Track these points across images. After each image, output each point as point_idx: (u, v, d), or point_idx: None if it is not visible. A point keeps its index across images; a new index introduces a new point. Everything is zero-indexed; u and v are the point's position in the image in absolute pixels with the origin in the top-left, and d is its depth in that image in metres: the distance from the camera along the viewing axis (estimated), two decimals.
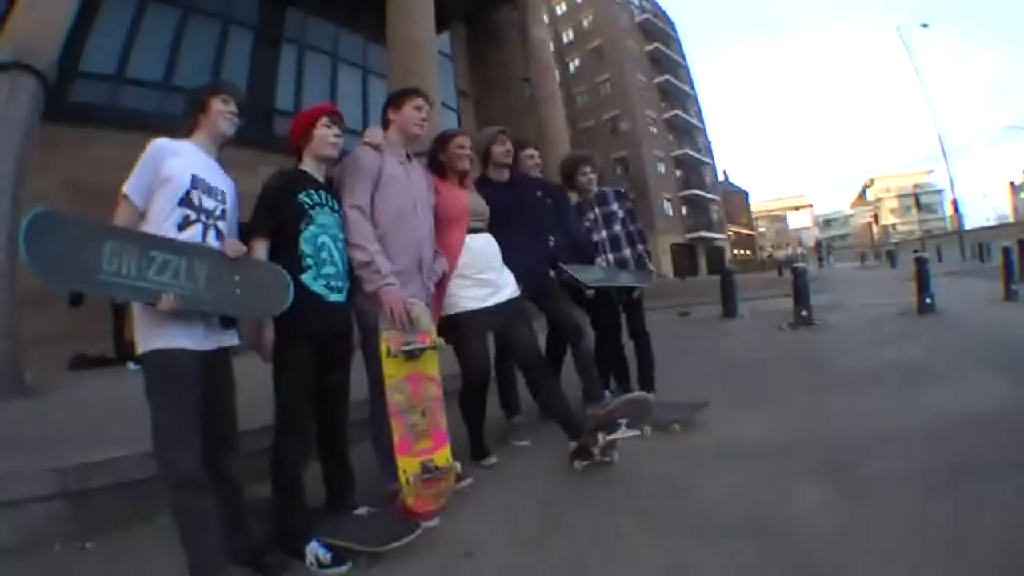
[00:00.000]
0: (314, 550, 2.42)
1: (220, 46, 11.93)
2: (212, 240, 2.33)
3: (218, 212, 2.39)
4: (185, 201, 2.26)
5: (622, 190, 4.88)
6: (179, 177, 2.26)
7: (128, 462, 2.90)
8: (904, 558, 2.10)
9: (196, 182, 2.30)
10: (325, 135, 2.79)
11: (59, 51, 6.42)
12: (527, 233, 3.77)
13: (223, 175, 2.50)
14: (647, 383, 4.51)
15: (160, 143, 2.29)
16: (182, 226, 2.25)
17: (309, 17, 13.88)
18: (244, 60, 12.37)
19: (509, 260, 3.54)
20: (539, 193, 4.08)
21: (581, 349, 4.04)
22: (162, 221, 2.21)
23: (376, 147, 3.03)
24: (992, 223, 59.07)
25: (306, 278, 2.60)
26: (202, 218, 2.31)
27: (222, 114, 2.44)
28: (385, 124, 3.21)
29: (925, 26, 40.58)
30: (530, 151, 4.31)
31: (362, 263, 2.77)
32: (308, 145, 2.81)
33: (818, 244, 46.40)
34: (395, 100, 3.21)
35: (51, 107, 6.38)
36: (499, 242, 3.52)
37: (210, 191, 2.37)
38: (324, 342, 2.68)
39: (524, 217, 3.78)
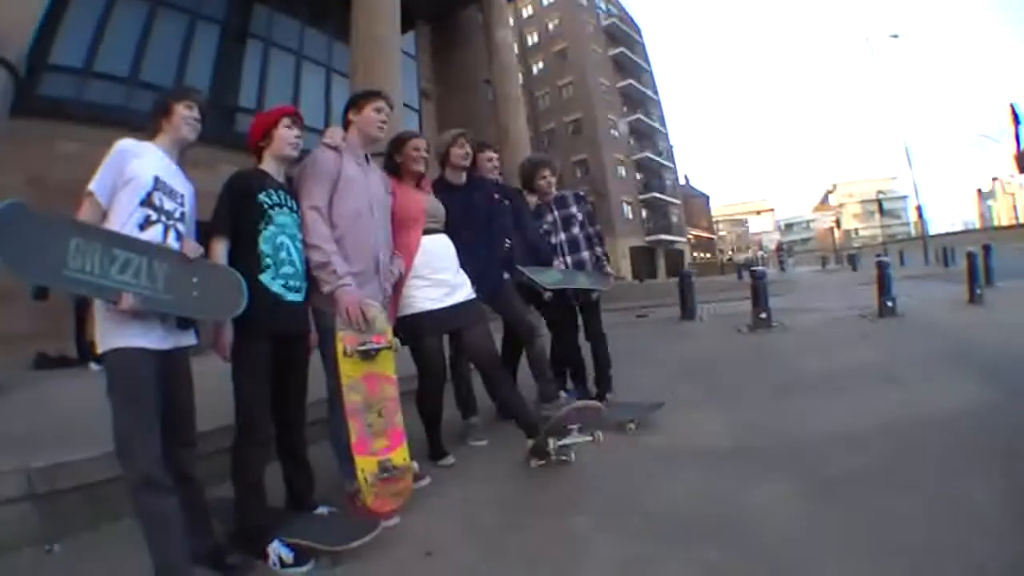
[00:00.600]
0: (276, 550, 2.42)
1: (187, 41, 11.73)
2: (172, 241, 2.33)
3: (177, 214, 2.39)
4: (147, 202, 2.26)
5: (581, 193, 4.92)
6: (142, 178, 2.26)
7: (94, 463, 2.85)
8: (868, 555, 2.15)
9: (158, 184, 2.31)
10: (286, 136, 2.80)
11: (30, 42, 6.23)
12: (482, 235, 3.80)
13: (184, 178, 2.50)
14: (604, 383, 4.56)
15: (125, 144, 2.29)
16: (143, 226, 2.24)
17: (275, 13, 13.73)
18: (210, 56, 12.20)
19: (464, 262, 3.56)
20: (496, 196, 4.10)
21: (535, 350, 4.08)
22: (124, 220, 2.21)
23: (335, 148, 3.03)
24: (958, 229, 60.48)
25: (264, 278, 2.60)
26: (163, 219, 2.31)
27: (185, 120, 2.45)
28: (345, 125, 3.21)
29: (895, 36, 41.60)
30: (489, 153, 4.33)
31: (319, 264, 2.78)
32: (269, 145, 2.81)
33: (779, 247, 45.88)
34: (356, 102, 3.21)
35: (18, 100, 6.19)
36: (454, 244, 3.54)
37: (171, 193, 2.37)
38: (282, 342, 2.67)
39: (479, 219, 3.81)
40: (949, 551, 2.11)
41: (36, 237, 1.92)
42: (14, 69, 5.75)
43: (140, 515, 2.13)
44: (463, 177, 3.87)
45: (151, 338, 2.20)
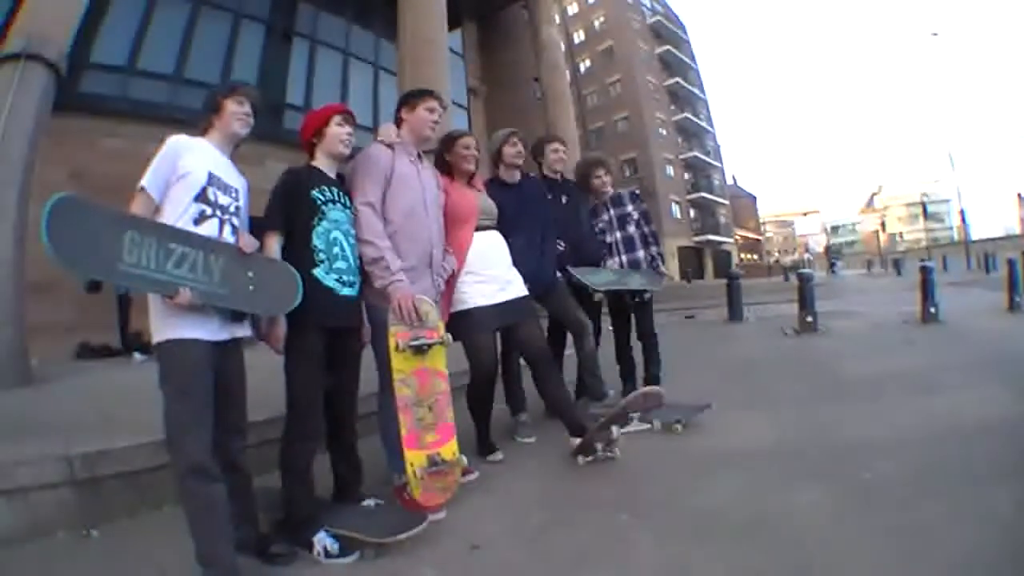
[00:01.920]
0: (322, 540, 2.44)
1: (231, 39, 11.92)
2: (228, 235, 2.36)
3: (232, 208, 2.42)
4: (202, 197, 2.29)
5: (636, 192, 4.90)
6: (197, 173, 2.28)
7: (135, 451, 2.92)
8: (902, 561, 2.11)
9: (212, 179, 2.33)
10: (338, 133, 2.82)
11: (71, 42, 6.40)
12: (534, 234, 3.82)
13: (237, 173, 2.53)
14: (653, 384, 4.51)
15: (178, 139, 2.30)
16: (198, 221, 2.27)
17: (321, 12, 13.88)
18: (255, 54, 12.38)
19: (518, 260, 3.58)
20: (549, 195, 4.13)
21: (585, 347, 4.07)
22: (179, 216, 2.23)
23: (389, 145, 3.05)
24: (1000, 235, 58.76)
25: (318, 272, 2.63)
26: (218, 213, 2.33)
27: (236, 115, 2.46)
28: (397, 123, 3.23)
29: (935, 35, 40.68)
30: (555, 145, 4.39)
31: (372, 259, 2.80)
32: (321, 143, 2.84)
33: (828, 249, 44.06)
34: (409, 100, 3.23)
35: (60, 97, 6.33)
36: (508, 242, 3.56)
37: (225, 188, 2.40)
38: (335, 335, 2.70)
39: (532, 218, 3.83)
40: (982, 561, 2.07)
41: (90, 230, 1.91)
42: (56, 68, 5.92)
43: (186, 502, 2.15)
44: (516, 175, 3.89)
45: (207, 329, 2.23)
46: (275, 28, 12.86)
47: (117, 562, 2.49)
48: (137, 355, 7.23)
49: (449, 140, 3.54)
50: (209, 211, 2.30)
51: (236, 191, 2.47)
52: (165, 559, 2.38)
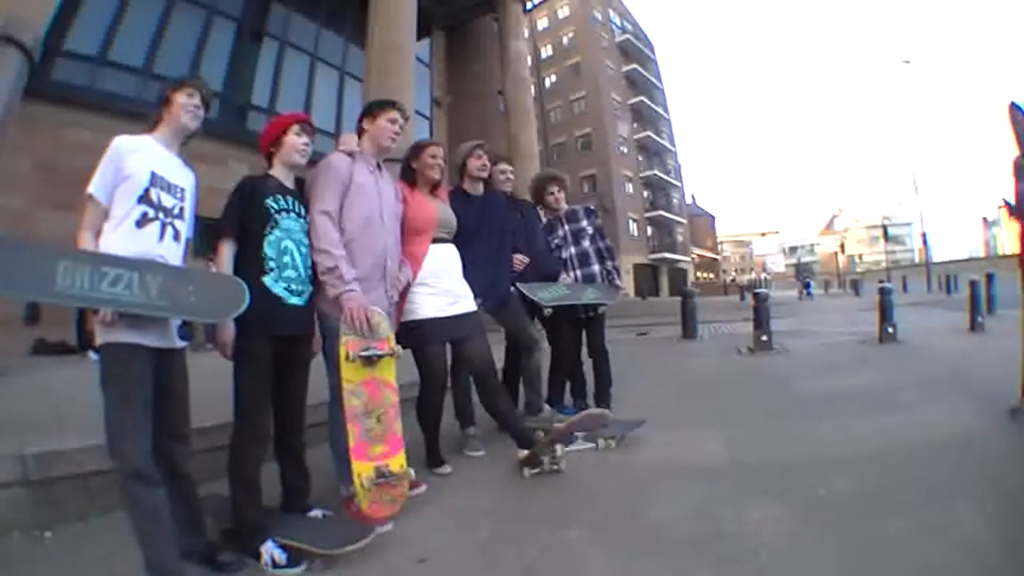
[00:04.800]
0: (269, 550, 2.43)
1: (203, 36, 11.82)
2: (169, 239, 2.34)
3: (176, 211, 2.40)
4: (144, 198, 2.27)
5: (591, 207, 4.95)
6: (139, 174, 2.26)
7: (89, 453, 2.86)
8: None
9: (155, 179, 2.31)
10: (295, 143, 2.83)
11: (47, 27, 6.27)
12: (494, 247, 3.88)
13: (184, 169, 2.51)
14: (603, 400, 4.57)
15: (120, 141, 2.29)
16: (141, 223, 2.25)
17: (293, 13, 13.81)
18: (225, 52, 12.30)
19: (475, 272, 3.62)
20: (509, 209, 4.19)
21: (532, 362, 4.19)
22: (122, 218, 2.22)
23: (350, 154, 3.06)
24: (962, 257, 60.05)
25: (268, 280, 2.62)
26: (160, 216, 2.32)
27: (185, 107, 2.44)
28: (359, 132, 3.25)
29: (907, 63, 41.81)
30: (503, 166, 4.38)
31: (326, 268, 2.80)
32: (278, 152, 2.84)
33: (799, 268, 40.53)
34: (371, 111, 3.24)
35: (30, 84, 6.23)
36: (466, 254, 3.60)
37: (169, 188, 2.38)
38: (284, 343, 2.69)
39: (492, 231, 3.88)
40: None
41: (22, 262, 1.97)
42: (30, 53, 5.79)
43: (129, 508, 2.14)
44: (480, 188, 3.95)
45: (148, 335, 2.22)
46: (246, 27, 12.76)
47: (73, 566, 2.46)
48: (92, 354, 7.10)
49: (417, 148, 3.56)
50: (152, 213, 2.28)
51: (181, 190, 2.44)
52: (118, 565, 2.34)
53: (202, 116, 2.51)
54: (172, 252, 2.35)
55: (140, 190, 2.25)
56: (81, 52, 9.79)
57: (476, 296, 3.60)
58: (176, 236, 2.38)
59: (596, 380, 4.70)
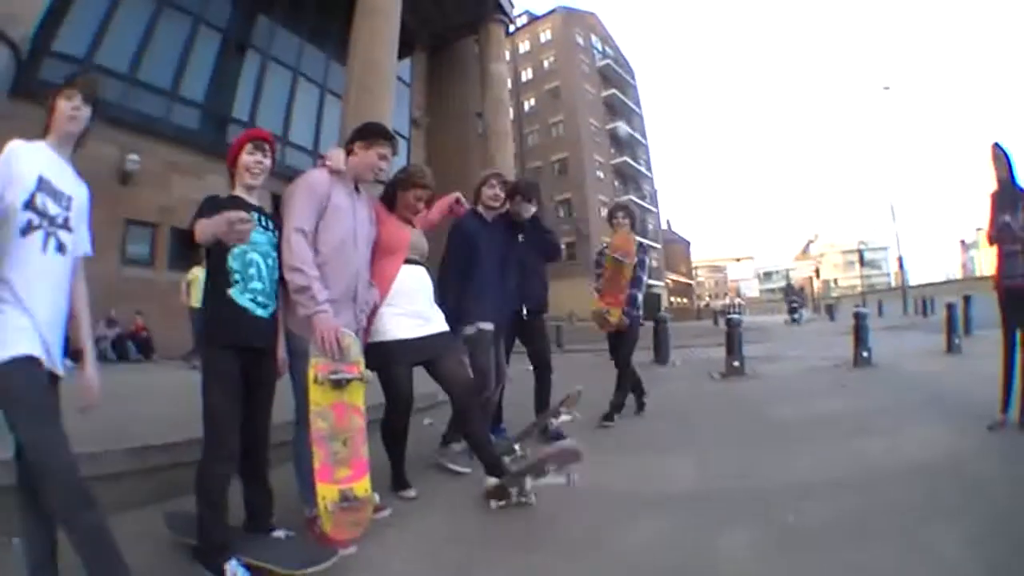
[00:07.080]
0: (233, 569, 2.41)
1: (188, 45, 11.79)
2: (52, 250, 2.22)
3: (60, 220, 2.27)
4: (30, 204, 2.16)
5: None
6: (26, 179, 2.17)
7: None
8: None
9: (42, 184, 2.21)
10: (246, 162, 2.81)
11: (37, 24, 6.24)
12: (496, 273, 4.09)
13: (74, 179, 2.40)
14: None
15: (13, 144, 2.22)
16: (25, 231, 2.14)
17: (278, 27, 13.83)
18: (208, 63, 12.27)
19: (482, 296, 3.89)
20: (520, 236, 4.46)
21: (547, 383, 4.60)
22: (12, 225, 2.12)
23: (335, 172, 3.06)
24: (940, 280, 60.41)
25: (233, 292, 2.62)
26: (44, 225, 2.20)
27: (64, 112, 2.33)
28: (348, 151, 3.18)
29: (887, 88, 42.64)
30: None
31: (299, 287, 2.78)
32: (236, 172, 2.84)
33: (788, 291, 35.84)
34: (368, 137, 3.18)
35: (17, 83, 6.17)
36: (475, 278, 3.85)
37: (56, 195, 2.26)
38: (250, 359, 2.68)
39: (496, 258, 4.11)
40: None
41: None
42: (17, 49, 5.76)
43: (67, 533, 2.05)
44: (492, 215, 4.18)
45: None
46: (231, 39, 12.75)
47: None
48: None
49: (406, 182, 3.51)
50: (36, 221, 2.17)
51: (69, 199, 2.32)
52: None
53: (86, 116, 2.38)
54: (56, 265, 2.24)
55: (27, 195, 2.15)
56: (69, 53, 9.67)
57: (482, 319, 3.91)
58: (60, 248, 2.25)
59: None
